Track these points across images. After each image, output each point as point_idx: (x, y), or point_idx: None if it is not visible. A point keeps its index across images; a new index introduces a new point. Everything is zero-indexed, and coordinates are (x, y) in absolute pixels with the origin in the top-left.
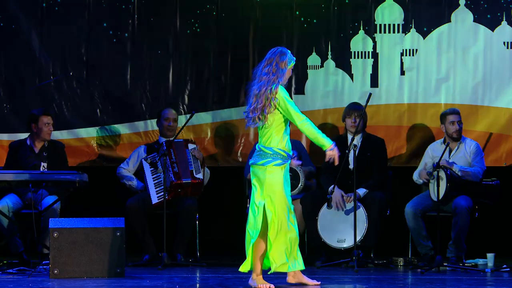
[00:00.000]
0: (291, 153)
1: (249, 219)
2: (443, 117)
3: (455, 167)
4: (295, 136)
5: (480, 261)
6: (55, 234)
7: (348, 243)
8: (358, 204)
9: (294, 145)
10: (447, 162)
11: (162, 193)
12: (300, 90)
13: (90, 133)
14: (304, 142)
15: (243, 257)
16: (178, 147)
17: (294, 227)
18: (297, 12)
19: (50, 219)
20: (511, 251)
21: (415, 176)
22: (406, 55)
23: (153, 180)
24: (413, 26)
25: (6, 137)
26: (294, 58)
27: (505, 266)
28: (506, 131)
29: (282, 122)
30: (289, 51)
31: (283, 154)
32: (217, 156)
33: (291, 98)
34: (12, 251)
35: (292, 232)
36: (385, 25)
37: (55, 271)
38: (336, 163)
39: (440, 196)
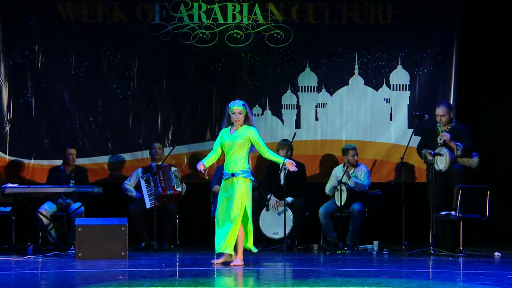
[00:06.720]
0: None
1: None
2: (346, 151)
3: (351, 179)
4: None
5: (369, 247)
6: (80, 229)
7: (280, 234)
8: (287, 208)
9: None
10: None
11: (154, 201)
12: None
13: (104, 160)
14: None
15: (211, 245)
16: (164, 169)
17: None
18: (245, 78)
19: (76, 218)
20: (390, 239)
21: (326, 189)
22: (319, 107)
23: (147, 192)
24: (323, 88)
25: (46, 163)
26: (230, 106)
27: (385, 250)
28: (386, 158)
29: None
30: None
31: None
32: (191, 176)
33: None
34: (50, 241)
35: None
36: (304, 86)
37: (80, 254)
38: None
39: (342, 203)
